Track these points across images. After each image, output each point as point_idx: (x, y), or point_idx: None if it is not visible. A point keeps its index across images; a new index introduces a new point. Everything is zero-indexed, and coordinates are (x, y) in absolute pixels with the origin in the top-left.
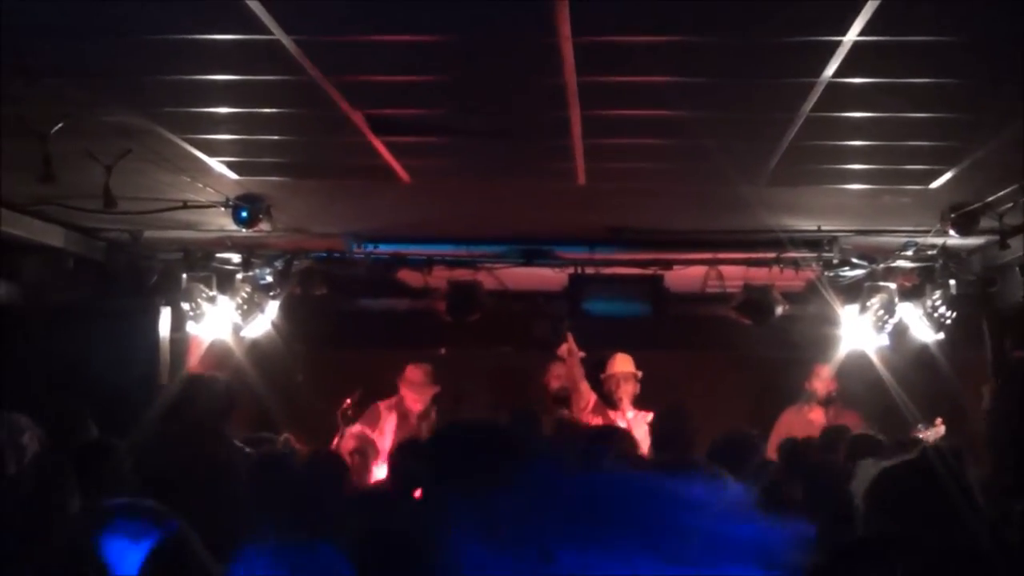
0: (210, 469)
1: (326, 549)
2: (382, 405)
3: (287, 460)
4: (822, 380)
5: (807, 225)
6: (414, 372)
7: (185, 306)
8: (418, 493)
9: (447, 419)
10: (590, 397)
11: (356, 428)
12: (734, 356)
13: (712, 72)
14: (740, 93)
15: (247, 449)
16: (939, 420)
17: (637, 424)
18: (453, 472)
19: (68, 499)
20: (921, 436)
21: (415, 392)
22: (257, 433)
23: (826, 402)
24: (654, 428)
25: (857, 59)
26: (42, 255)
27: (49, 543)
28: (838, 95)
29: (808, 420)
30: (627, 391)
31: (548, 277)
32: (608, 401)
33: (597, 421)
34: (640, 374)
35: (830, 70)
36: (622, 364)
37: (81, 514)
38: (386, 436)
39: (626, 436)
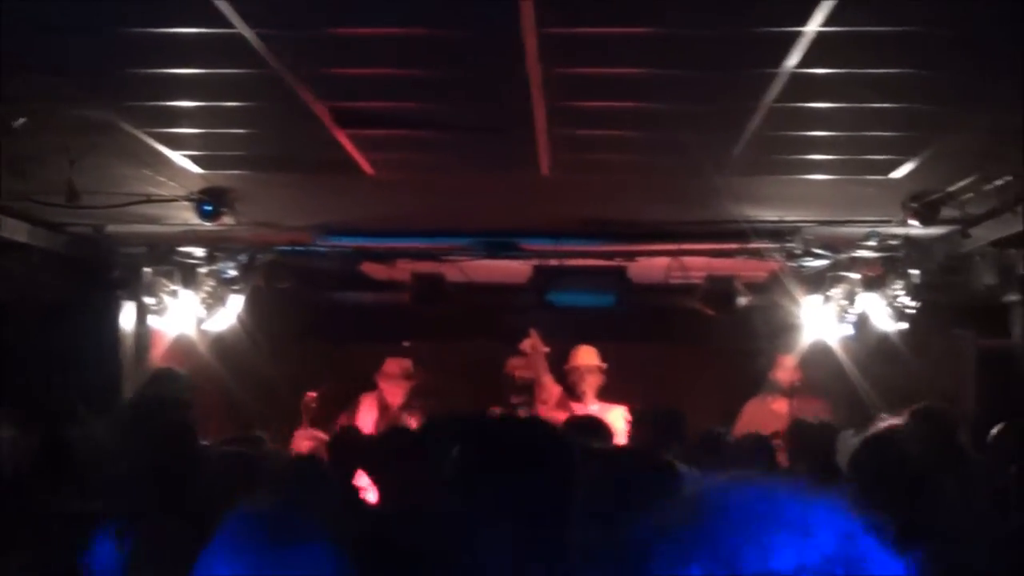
0: (178, 463)
1: (317, 549)
2: (365, 398)
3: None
4: (785, 370)
5: (770, 216)
6: (391, 366)
7: (149, 300)
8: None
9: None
10: (553, 390)
11: (307, 431)
12: (698, 347)
13: (676, 63)
14: (703, 84)
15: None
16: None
17: (601, 416)
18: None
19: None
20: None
21: (392, 385)
22: (245, 433)
23: (790, 392)
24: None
25: (820, 50)
26: (6, 251)
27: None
28: (801, 85)
29: (772, 410)
30: (591, 383)
31: (513, 269)
32: (572, 393)
33: (562, 414)
34: (604, 366)
35: (793, 61)
36: (586, 356)
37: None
38: (365, 428)
39: (608, 429)
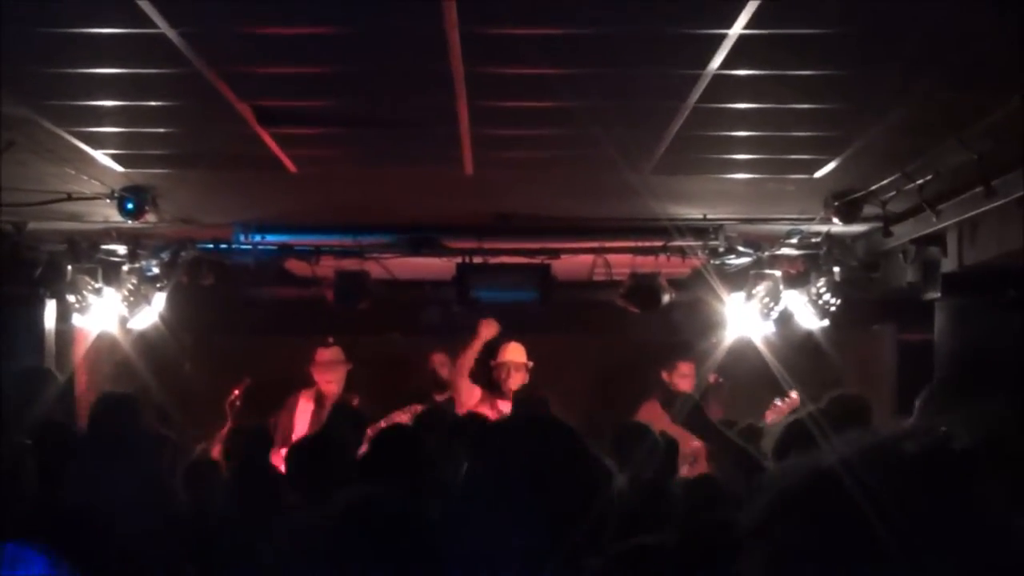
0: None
1: None
2: (301, 394)
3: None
4: (684, 377)
5: (693, 213)
6: (323, 353)
7: (71, 298)
8: None
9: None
10: (473, 392)
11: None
12: (622, 342)
13: (600, 63)
14: (627, 84)
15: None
16: (793, 392)
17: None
18: None
19: None
20: (778, 407)
21: (328, 372)
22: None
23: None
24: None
25: (742, 51)
26: None
27: None
28: (724, 86)
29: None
30: (516, 380)
31: (436, 265)
32: (497, 389)
33: (486, 410)
34: (531, 364)
35: (716, 62)
36: (513, 353)
37: None
38: (297, 424)
39: None
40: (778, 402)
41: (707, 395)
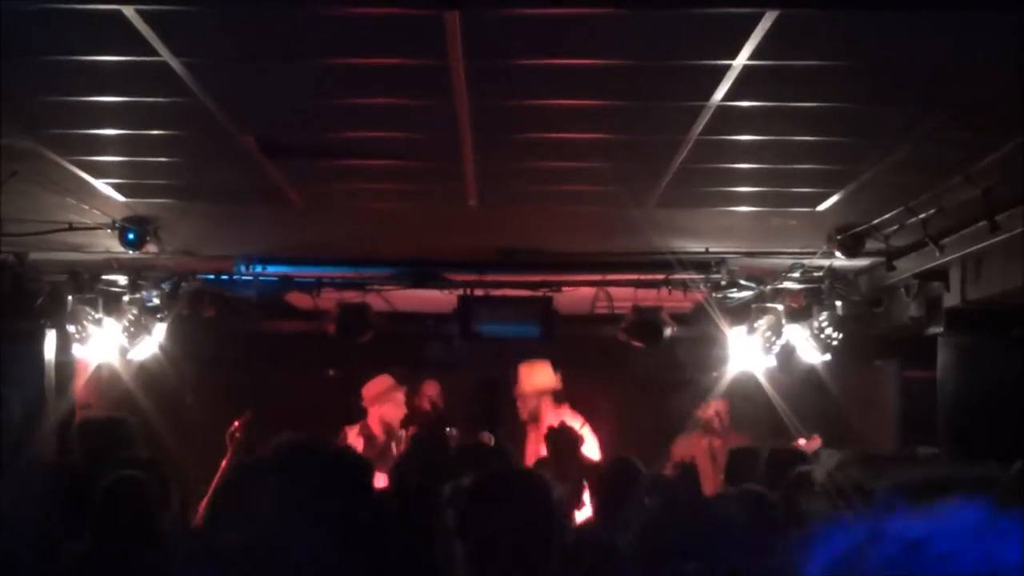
0: None
1: None
2: (346, 432)
3: None
4: (712, 410)
5: (696, 247)
6: (375, 385)
7: (71, 328)
8: None
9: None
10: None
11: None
12: (624, 377)
13: (603, 96)
14: (630, 116)
15: None
16: (816, 436)
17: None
18: None
19: None
20: (801, 446)
21: (387, 404)
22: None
23: (716, 430)
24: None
25: (746, 83)
26: None
27: None
28: (727, 118)
29: (701, 446)
30: (525, 409)
31: (438, 298)
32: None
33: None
34: (549, 387)
35: (720, 94)
36: (526, 379)
37: None
38: None
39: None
40: (802, 441)
41: (708, 430)
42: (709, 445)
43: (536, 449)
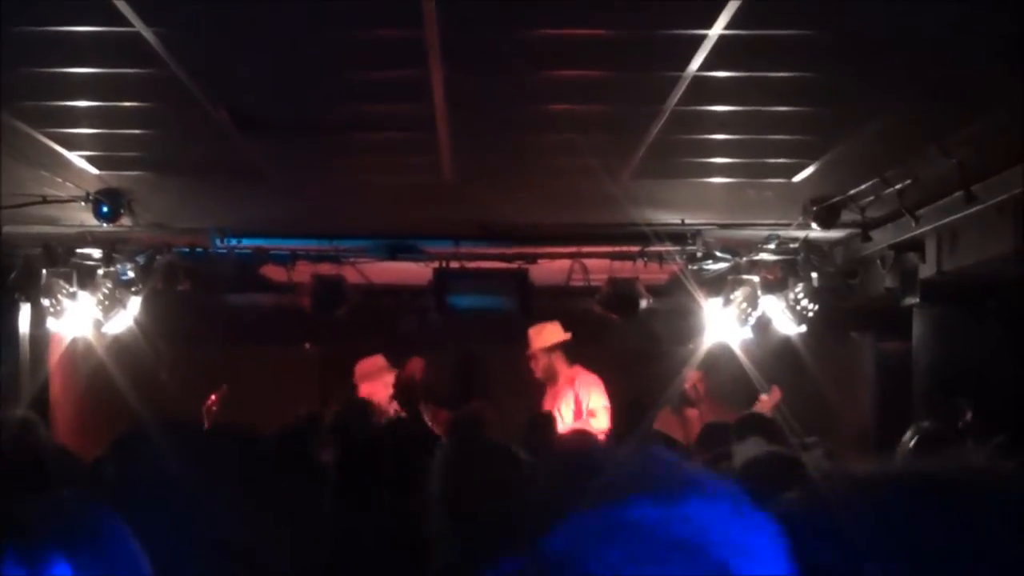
0: None
1: None
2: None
3: None
4: (691, 383)
5: (671, 219)
6: (367, 364)
7: (45, 302)
8: None
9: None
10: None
11: None
12: (600, 348)
13: (579, 67)
14: (607, 87)
15: None
16: (775, 388)
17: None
18: None
19: None
20: (762, 401)
21: (376, 383)
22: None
23: (696, 402)
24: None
25: (722, 53)
26: None
27: None
28: (703, 89)
29: (682, 418)
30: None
31: (414, 271)
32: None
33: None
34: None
35: (696, 64)
36: (535, 337)
37: None
38: None
39: None
40: (763, 396)
41: (684, 400)
42: (684, 416)
43: (553, 406)
